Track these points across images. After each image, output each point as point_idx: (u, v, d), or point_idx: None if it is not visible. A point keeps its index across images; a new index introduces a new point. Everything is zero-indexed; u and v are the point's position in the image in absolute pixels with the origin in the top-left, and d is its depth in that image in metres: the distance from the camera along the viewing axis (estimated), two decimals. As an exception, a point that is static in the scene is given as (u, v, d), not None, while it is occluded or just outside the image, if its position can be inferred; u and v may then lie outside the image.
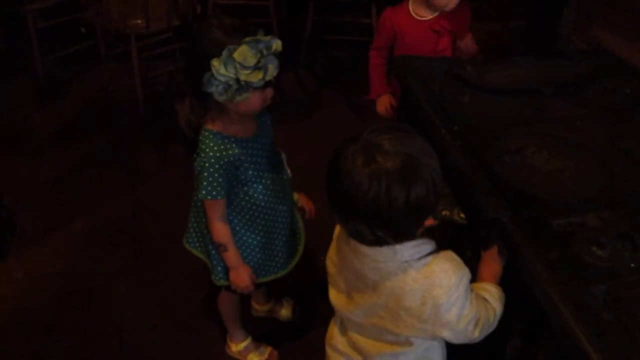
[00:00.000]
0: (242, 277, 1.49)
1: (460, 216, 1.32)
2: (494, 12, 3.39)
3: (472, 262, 1.27)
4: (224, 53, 1.18)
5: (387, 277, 1.06)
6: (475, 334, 1.10)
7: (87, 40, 3.16)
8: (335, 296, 1.21)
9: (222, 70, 1.19)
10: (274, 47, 1.22)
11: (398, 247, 1.04)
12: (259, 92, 1.27)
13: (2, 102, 2.98)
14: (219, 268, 1.52)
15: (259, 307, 1.95)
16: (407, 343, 1.14)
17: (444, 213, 1.25)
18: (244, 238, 1.50)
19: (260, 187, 1.44)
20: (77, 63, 3.21)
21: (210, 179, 1.34)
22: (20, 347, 1.90)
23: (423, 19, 1.93)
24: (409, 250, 1.05)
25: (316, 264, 1.89)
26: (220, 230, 1.43)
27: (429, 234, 1.21)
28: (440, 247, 1.35)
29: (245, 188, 1.43)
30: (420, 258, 1.06)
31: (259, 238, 1.51)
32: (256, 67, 1.20)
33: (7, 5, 2.93)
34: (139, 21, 2.74)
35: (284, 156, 1.54)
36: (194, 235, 1.57)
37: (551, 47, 2.08)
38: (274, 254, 1.56)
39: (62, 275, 2.12)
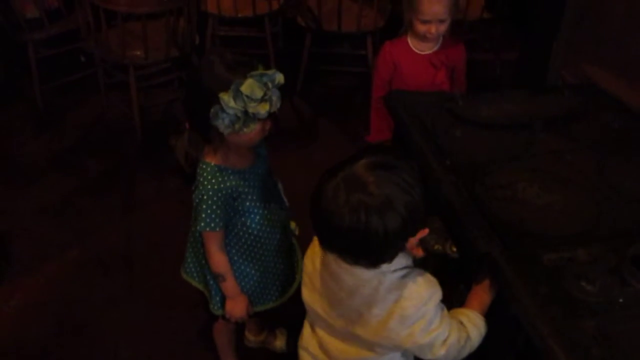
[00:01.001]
0: (238, 306, 1.51)
1: (452, 250, 1.33)
2: (487, 45, 3.46)
3: (464, 295, 1.29)
4: (232, 87, 1.22)
5: (363, 283, 1.10)
6: (441, 351, 1.13)
7: (86, 69, 3.20)
8: (309, 295, 1.25)
9: (232, 104, 1.23)
10: (277, 80, 1.27)
11: None
12: (260, 123, 1.30)
13: (0, 129, 3.00)
14: (217, 298, 1.54)
15: (253, 338, 1.95)
16: (372, 350, 1.18)
17: (436, 247, 1.26)
18: (242, 267, 1.51)
19: (257, 217, 1.47)
20: (76, 91, 3.24)
21: (209, 211, 1.36)
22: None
23: (422, 52, 1.99)
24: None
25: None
26: (219, 261, 1.45)
27: (421, 266, 1.23)
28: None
29: (243, 219, 1.45)
30: (396, 270, 1.10)
31: (256, 267, 1.53)
32: (263, 99, 1.25)
33: (8, 34, 2.97)
34: (138, 52, 2.78)
35: (281, 186, 1.57)
36: (191, 265, 1.59)
37: (541, 81, 2.12)
38: (271, 283, 1.58)
39: (56, 304, 2.11)
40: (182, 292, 1.73)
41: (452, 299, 1.31)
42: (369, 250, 1.04)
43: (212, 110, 1.25)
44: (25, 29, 2.88)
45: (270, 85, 1.26)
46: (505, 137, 1.58)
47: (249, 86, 1.22)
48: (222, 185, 1.36)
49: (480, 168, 1.45)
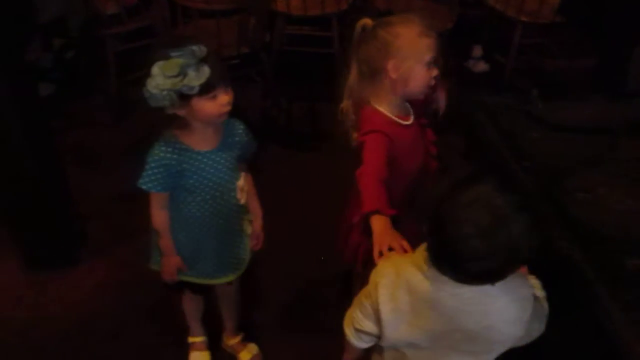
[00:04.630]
0: (170, 264, 1.63)
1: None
2: (557, 50, 3.39)
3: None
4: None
5: (468, 302, 1.09)
6: (542, 330, 1.13)
7: (159, 64, 3.31)
8: (406, 330, 1.18)
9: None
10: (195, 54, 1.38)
11: None
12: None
13: (79, 119, 3.15)
14: (155, 253, 1.68)
15: (225, 340, 2.00)
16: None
17: None
18: (176, 232, 1.61)
19: (199, 198, 1.55)
20: (149, 85, 3.36)
21: (149, 172, 1.51)
22: (82, 352, 2.00)
23: (407, 123, 1.49)
24: None
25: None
26: (157, 218, 1.59)
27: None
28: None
29: (185, 193, 1.55)
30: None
31: (189, 238, 1.62)
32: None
33: (88, 30, 3.13)
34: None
35: (242, 186, 1.61)
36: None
37: (622, 87, 2.07)
38: (203, 260, 1.65)
39: (129, 285, 2.20)
40: (247, 279, 1.79)
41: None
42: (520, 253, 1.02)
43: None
44: (105, 24, 3.02)
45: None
46: (585, 141, 1.56)
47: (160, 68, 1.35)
48: (166, 155, 1.48)
49: (560, 171, 1.44)
